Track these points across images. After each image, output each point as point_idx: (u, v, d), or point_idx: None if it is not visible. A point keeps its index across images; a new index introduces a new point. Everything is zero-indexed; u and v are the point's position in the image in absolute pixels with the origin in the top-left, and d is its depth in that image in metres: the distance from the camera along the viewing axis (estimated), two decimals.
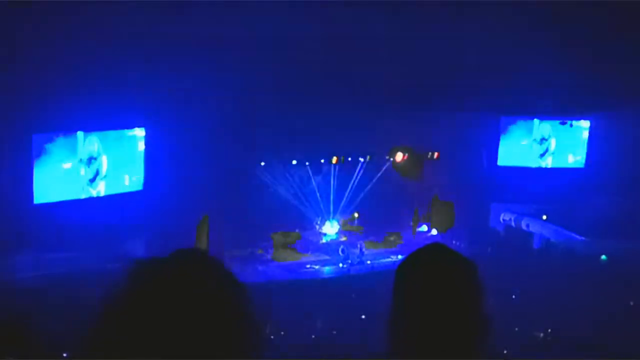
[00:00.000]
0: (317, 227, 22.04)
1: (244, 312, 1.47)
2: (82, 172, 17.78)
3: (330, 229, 22.05)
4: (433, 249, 1.83)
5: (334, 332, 15.98)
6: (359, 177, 22.17)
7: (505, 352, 14.57)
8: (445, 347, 1.73)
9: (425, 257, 1.81)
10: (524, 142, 22.56)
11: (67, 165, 17.38)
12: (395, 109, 19.92)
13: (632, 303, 17.11)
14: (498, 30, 16.86)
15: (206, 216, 19.18)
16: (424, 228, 22.73)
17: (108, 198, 18.18)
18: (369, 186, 22.11)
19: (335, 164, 21.76)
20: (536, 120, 22.61)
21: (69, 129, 17.29)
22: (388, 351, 1.80)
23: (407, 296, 1.78)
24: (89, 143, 17.80)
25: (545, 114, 22.23)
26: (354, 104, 19.40)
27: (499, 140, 22.66)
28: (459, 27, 17.07)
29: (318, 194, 21.99)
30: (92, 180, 18.03)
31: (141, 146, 18.73)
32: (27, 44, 14.24)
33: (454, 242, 19.70)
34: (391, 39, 17.64)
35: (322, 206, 22.10)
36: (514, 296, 17.95)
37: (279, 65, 17.23)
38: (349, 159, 21.97)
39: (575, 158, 22.60)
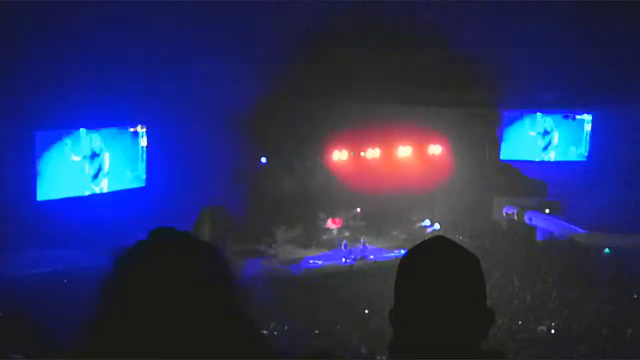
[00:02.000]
0: (320, 222, 22.03)
1: (221, 276, 1.53)
2: (85, 169, 17.82)
3: (333, 224, 22.05)
4: (435, 242, 1.82)
5: (337, 327, 16.01)
6: (361, 172, 22.13)
7: (509, 345, 14.60)
8: (448, 340, 1.73)
9: (427, 250, 1.81)
10: (532, 133, 22.53)
11: (70, 162, 17.42)
12: (398, 103, 19.92)
13: (635, 296, 17.10)
14: (501, 25, 16.83)
15: (204, 208, 19.17)
16: (427, 222, 22.74)
17: (111, 195, 18.21)
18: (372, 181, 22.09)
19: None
20: (539, 114, 22.60)
21: (72, 126, 17.32)
22: (391, 345, 1.80)
23: (410, 290, 1.78)
24: (91, 140, 17.83)
25: (548, 108, 22.20)
26: (355, 100, 19.42)
27: (502, 134, 22.67)
28: (462, 21, 17.04)
29: (320, 190, 21.97)
30: (95, 177, 18.07)
31: (143, 143, 18.76)
32: (29, 42, 14.23)
33: (456, 236, 19.70)
34: (396, 32, 17.61)
35: (324, 201, 22.09)
36: (517, 289, 17.96)
37: (282, 60, 17.21)
38: (352, 153, 22.01)
39: (577, 151, 22.60)
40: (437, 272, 1.76)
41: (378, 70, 18.67)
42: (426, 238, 1.87)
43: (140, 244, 1.55)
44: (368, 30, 17.43)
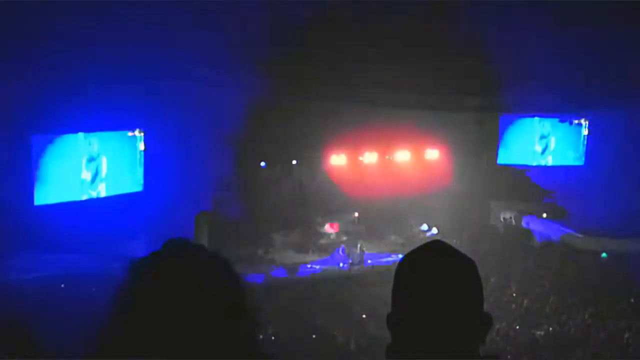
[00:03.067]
0: (318, 227, 22.03)
1: (237, 293, 1.55)
2: (83, 173, 17.80)
3: (331, 229, 22.05)
4: (432, 246, 1.83)
5: (335, 332, 16.00)
6: (359, 176, 22.15)
7: (507, 350, 14.59)
8: (446, 345, 1.73)
9: (424, 255, 1.81)
10: (529, 138, 22.57)
11: (67, 167, 17.39)
12: (396, 108, 19.95)
13: (632, 300, 17.11)
14: (499, 29, 16.86)
15: (202, 213, 19.19)
16: (425, 227, 22.74)
17: (108, 199, 18.19)
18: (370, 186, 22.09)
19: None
20: (536, 119, 22.63)
21: (69, 130, 17.29)
22: (389, 349, 1.80)
23: (407, 294, 1.78)
24: (89, 144, 17.81)
25: (545, 112, 22.22)
26: (353, 105, 19.47)
27: (499, 138, 22.70)
28: (460, 25, 17.07)
29: (318, 194, 21.98)
30: (93, 181, 18.05)
31: (141, 147, 18.75)
32: (27, 45, 14.23)
33: (454, 240, 19.69)
34: (394, 35, 17.65)
35: (322, 206, 22.09)
36: (514, 294, 17.97)
37: (280, 64, 17.24)
38: (350, 158, 22.05)
39: (574, 156, 22.63)
40: (434, 276, 1.76)
41: (376, 74, 18.70)
42: (423, 242, 1.87)
43: (154, 255, 1.56)
44: (366, 34, 17.46)
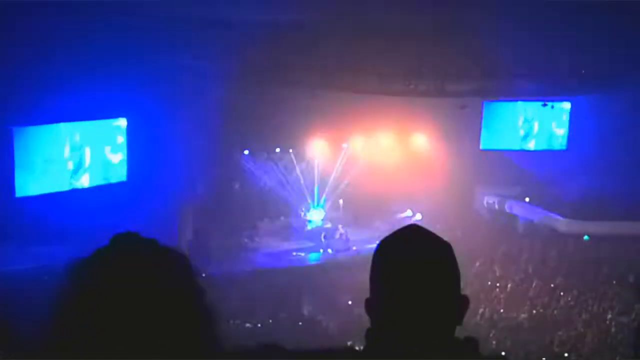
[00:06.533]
0: (302, 214, 22.07)
1: (188, 288, 1.44)
2: (65, 164, 17.66)
3: (316, 215, 22.10)
4: (406, 230, 1.85)
5: (321, 318, 16.07)
6: (343, 163, 22.20)
7: (491, 334, 14.73)
8: (422, 327, 1.74)
9: (398, 238, 1.84)
10: (512, 123, 22.69)
11: (49, 158, 17.25)
12: (379, 94, 19.94)
13: (614, 282, 17.32)
14: (481, 14, 16.87)
15: (186, 202, 19.17)
16: (409, 213, 22.82)
17: (92, 190, 18.08)
18: (354, 172, 22.13)
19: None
20: (519, 103, 22.73)
21: (50, 121, 17.13)
22: (368, 333, 1.81)
23: (382, 278, 1.81)
24: (71, 134, 17.67)
25: (527, 97, 22.29)
26: (336, 91, 19.45)
27: (482, 123, 22.78)
28: (443, 11, 17.07)
29: (302, 181, 22.01)
30: (75, 172, 17.93)
31: (123, 137, 18.64)
32: (6, 36, 14.06)
33: (438, 225, 19.77)
34: (377, 22, 17.62)
35: (307, 193, 22.13)
36: (498, 278, 18.11)
37: (263, 51, 17.17)
38: (333, 144, 22.07)
39: (557, 140, 22.77)
40: (409, 259, 1.78)
41: (358, 60, 18.69)
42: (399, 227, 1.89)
43: (98, 253, 1.47)
44: (349, 20, 17.41)
